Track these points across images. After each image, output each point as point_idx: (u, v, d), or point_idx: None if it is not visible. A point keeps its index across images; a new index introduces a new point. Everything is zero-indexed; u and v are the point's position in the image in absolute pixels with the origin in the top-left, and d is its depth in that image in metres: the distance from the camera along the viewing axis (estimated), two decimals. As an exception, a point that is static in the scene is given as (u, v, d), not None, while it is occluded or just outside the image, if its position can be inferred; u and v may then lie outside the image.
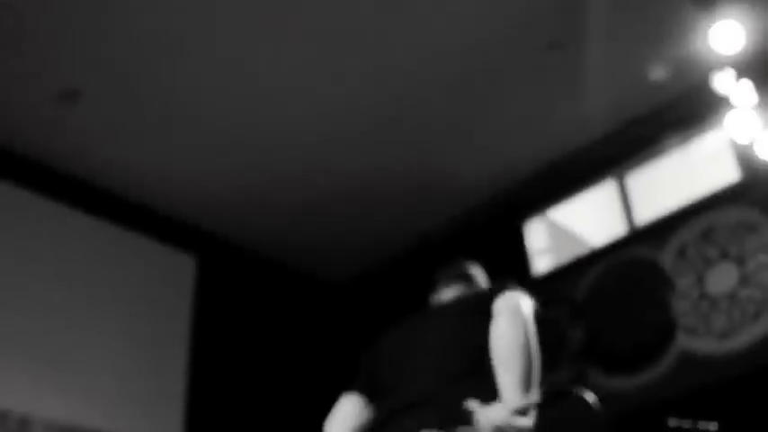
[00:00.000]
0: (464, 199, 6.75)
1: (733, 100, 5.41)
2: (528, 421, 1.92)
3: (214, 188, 6.49)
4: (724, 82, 5.43)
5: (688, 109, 5.91)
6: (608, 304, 5.87)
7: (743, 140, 5.45)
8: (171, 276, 6.59)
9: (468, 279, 2.78)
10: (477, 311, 2.25)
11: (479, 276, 2.83)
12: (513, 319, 2.10)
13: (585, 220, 6.72)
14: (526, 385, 1.97)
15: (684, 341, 5.37)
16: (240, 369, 6.50)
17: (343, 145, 6.21)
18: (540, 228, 6.79)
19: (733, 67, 5.44)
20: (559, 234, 6.78)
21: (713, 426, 3.54)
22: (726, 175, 5.69)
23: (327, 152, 6.26)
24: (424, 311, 2.66)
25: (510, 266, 6.61)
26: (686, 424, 3.63)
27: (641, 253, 5.84)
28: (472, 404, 1.95)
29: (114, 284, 6.17)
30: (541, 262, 6.61)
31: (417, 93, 5.84)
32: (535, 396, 1.97)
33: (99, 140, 6.00)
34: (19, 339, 5.54)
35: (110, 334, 5.96)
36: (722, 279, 5.38)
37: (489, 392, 2.03)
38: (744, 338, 5.14)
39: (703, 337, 5.29)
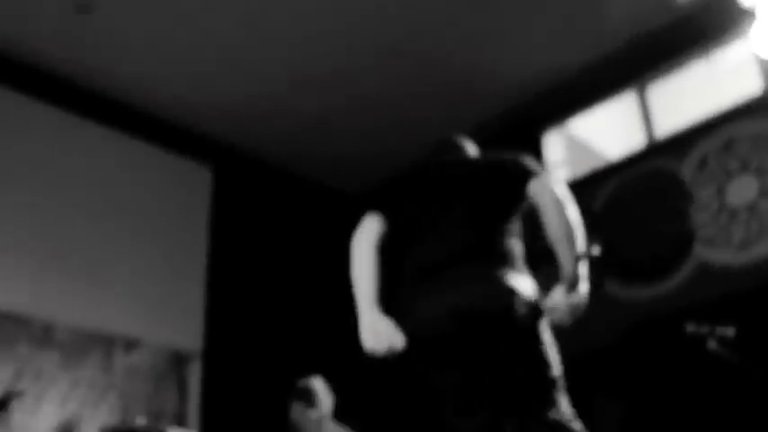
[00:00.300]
0: (481, 110, 6.68)
1: (758, 11, 5.29)
2: (583, 289, 2.39)
3: (229, 99, 6.45)
4: (751, -8, 5.31)
5: (711, 20, 5.78)
6: (626, 216, 5.86)
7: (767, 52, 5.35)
8: (188, 187, 6.65)
9: (465, 150, 2.92)
10: (504, 181, 2.56)
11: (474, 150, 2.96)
12: (559, 205, 2.42)
13: (604, 134, 6.67)
14: (578, 259, 2.37)
15: (703, 252, 5.38)
16: (257, 276, 6.59)
17: (358, 53, 6.12)
18: (558, 140, 6.74)
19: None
20: (577, 147, 6.73)
21: (731, 331, 3.55)
22: (748, 86, 5.61)
23: (343, 60, 6.17)
24: (443, 169, 2.77)
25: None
26: (703, 329, 3.64)
27: (661, 165, 5.80)
28: (547, 301, 2.38)
29: (134, 196, 6.24)
30: (558, 174, 6.58)
31: (435, 2, 5.74)
32: (585, 266, 2.39)
33: (115, 52, 5.95)
34: (42, 249, 5.64)
35: (130, 243, 6.06)
36: (742, 191, 5.35)
37: (519, 257, 2.49)
38: (762, 250, 5.13)
39: (722, 249, 5.30)
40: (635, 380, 5.40)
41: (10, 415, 4.50)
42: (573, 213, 2.42)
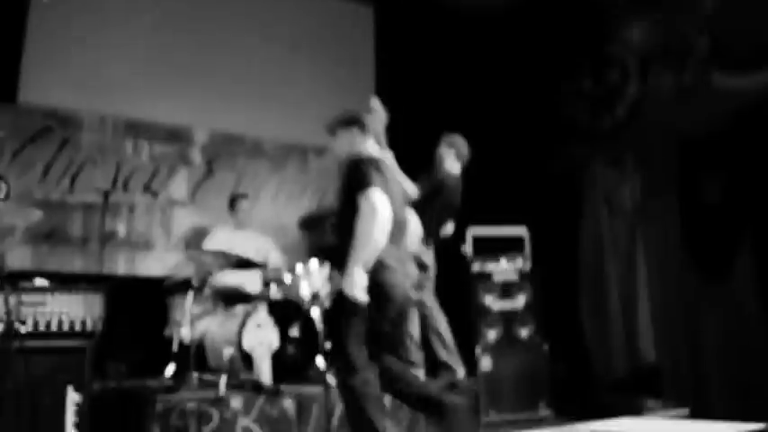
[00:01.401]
0: None
1: None
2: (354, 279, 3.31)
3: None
4: None
5: None
6: (733, 13, 6.16)
7: None
8: (355, 26, 8.03)
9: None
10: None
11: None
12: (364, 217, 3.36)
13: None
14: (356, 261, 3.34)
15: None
16: (418, 97, 7.36)
17: None
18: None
19: None
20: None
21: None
22: None
23: None
24: None
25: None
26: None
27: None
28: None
29: (317, 38, 7.68)
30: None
31: None
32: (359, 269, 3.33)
33: None
34: (252, 81, 7.23)
35: (317, 75, 7.56)
36: None
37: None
38: None
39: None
40: (740, 158, 5.82)
41: (238, 211, 6.09)
42: (370, 229, 3.33)
